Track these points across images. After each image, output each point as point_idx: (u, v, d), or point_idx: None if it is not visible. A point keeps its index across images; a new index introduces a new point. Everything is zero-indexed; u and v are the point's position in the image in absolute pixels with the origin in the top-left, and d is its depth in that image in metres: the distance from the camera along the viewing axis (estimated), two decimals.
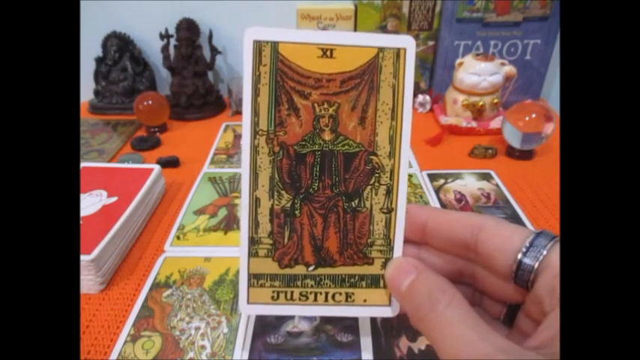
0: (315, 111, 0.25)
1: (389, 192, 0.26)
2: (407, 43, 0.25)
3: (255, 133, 0.25)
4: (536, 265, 0.21)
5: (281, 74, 0.24)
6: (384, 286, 0.26)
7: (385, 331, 0.35)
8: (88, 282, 0.39)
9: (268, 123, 0.25)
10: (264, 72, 0.24)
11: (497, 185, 0.56)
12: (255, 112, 0.24)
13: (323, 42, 0.24)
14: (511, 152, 0.63)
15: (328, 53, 0.24)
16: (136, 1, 0.80)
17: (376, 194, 0.26)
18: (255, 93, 0.24)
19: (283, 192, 0.25)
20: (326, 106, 0.25)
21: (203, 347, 0.34)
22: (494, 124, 0.68)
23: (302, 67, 0.24)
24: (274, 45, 0.24)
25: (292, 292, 0.26)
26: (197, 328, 0.35)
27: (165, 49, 0.78)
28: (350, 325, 0.35)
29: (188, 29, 0.77)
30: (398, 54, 0.25)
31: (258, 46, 0.24)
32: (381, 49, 0.24)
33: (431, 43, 0.76)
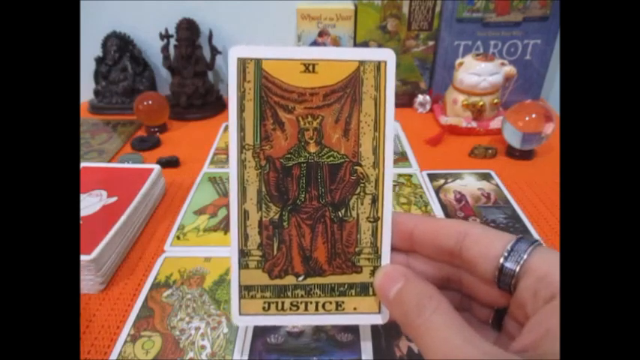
0: (300, 124, 0.25)
1: (374, 201, 0.26)
2: (387, 56, 0.25)
3: (241, 147, 0.25)
4: (517, 269, 0.21)
5: (265, 90, 0.25)
6: (374, 294, 0.26)
7: (385, 331, 0.35)
8: (88, 282, 0.39)
9: (254, 137, 0.25)
10: (248, 88, 0.25)
11: (497, 185, 0.56)
12: (241, 128, 0.25)
13: (305, 57, 0.25)
14: (511, 152, 0.63)
15: (310, 68, 0.25)
16: (136, 1, 0.80)
17: (362, 204, 0.26)
18: (241, 109, 0.25)
19: (271, 204, 0.26)
20: (310, 119, 0.25)
21: (203, 347, 0.34)
22: (494, 124, 0.68)
23: (285, 82, 0.25)
24: (258, 62, 0.25)
25: (283, 303, 0.26)
26: (197, 328, 0.35)
27: (165, 49, 0.78)
28: (350, 325, 0.35)
29: (188, 29, 0.77)
30: (378, 67, 0.25)
31: (242, 64, 0.25)
32: (362, 63, 0.25)
33: (431, 43, 0.76)
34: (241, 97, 0.25)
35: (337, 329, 0.35)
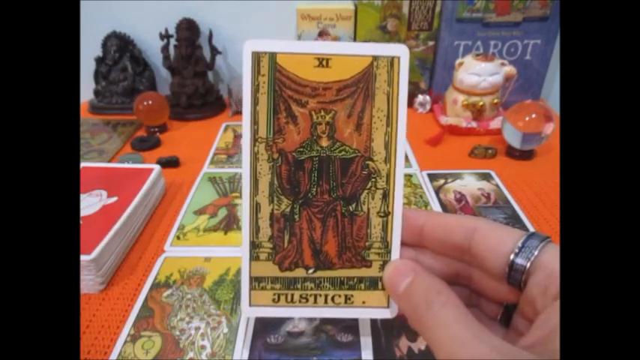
0: (313, 118, 0.26)
1: (385, 196, 0.26)
2: (401, 51, 0.25)
3: (254, 140, 0.25)
4: (527, 266, 0.21)
5: (279, 84, 0.25)
6: (383, 288, 0.26)
7: (385, 331, 0.35)
8: (88, 282, 0.39)
9: (267, 130, 0.25)
10: (262, 82, 0.25)
11: (497, 185, 0.56)
12: (255, 121, 0.25)
13: (319, 52, 0.25)
14: (511, 152, 0.63)
15: (324, 63, 0.25)
16: (136, 1, 0.80)
17: (373, 198, 0.26)
18: (255, 102, 0.25)
19: (283, 197, 0.26)
20: (323, 113, 0.26)
21: (203, 347, 0.34)
22: (494, 124, 0.68)
23: (299, 76, 0.25)
24: (272, 56, 0.25)
25: (293, 295, 0.27)
26: (197, 328, 0.35)
27: (165, 49, 0.78)
28: (350, 325, 0.35)
29: (188, 29, 0.77)
30: (392, 62, 0.25)
31: (257, 57, 0.25)
32: (375, 58, 0.25)
33: (431, 43, 0.76)
34: (255, 91, 0.25)
35: (337, 329, 0.35)
